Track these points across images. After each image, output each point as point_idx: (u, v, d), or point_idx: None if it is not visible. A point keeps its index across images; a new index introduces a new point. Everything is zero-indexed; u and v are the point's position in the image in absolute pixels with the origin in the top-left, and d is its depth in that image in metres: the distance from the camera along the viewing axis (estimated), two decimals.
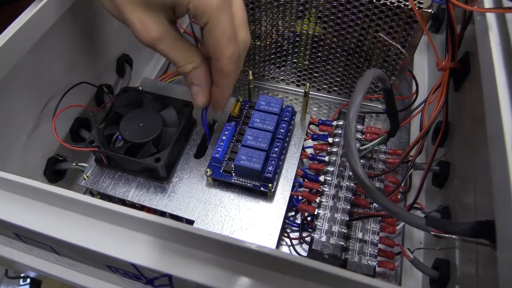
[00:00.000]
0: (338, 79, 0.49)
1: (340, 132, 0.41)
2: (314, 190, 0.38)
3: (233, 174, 0.37)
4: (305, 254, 0.39)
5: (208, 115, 0.38)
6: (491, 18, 0.31)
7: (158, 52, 0.33)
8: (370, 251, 0.35)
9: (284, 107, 0.41)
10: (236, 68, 0.33)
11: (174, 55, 0.33)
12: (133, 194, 0.37)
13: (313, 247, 0.34)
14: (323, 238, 0.35)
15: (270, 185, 0.36)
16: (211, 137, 0.41)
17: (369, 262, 0.34)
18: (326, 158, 0.40)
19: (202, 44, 0.35)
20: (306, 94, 0.40)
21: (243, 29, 0.33)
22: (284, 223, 0.37)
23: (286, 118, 0.40)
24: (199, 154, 0.40)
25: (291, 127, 0.41)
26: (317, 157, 0.40)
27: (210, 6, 0.29)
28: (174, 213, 0.36)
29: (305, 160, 0.43)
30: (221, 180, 0.37)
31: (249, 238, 0.35)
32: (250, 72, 0.41)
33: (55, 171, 0.44)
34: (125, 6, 0.31)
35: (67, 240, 0.25)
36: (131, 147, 0.37)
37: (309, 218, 0.39)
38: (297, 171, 0.39)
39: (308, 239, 0.37)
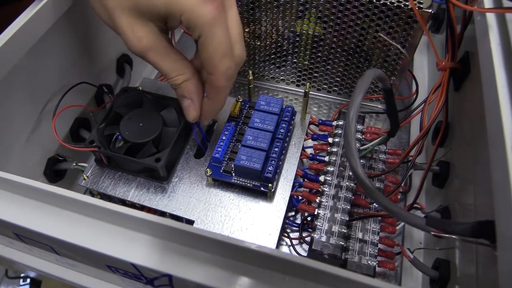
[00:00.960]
0: (338, 79, 0.49)
1: (340, 132, 0.41)
2: (314, 190, 0.38)
3: (233, 174, 0.37)
4: (305, 254, 0.39)
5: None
6: (491, 18, 0.31)
7: (149, 63, 0.32)
8: (370, 251, 0.35)
9: (284, 107, 0.41)
10: (230, 84, 0.32)
11: (164, 65, 0.32)
12: (133, 194, 0.37)
13: (313, 247, 0.34)
14: (323, 238, 0.35)
15: (270, 185, 0.36)
16: (211, 137, 0.41)
17: (369, 262, 0.34)
18: (326, 158, 0.40)
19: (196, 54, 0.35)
20: (306, 94, 0.40)
21: (239, 44, 0.32)
22: (284, 223, 0.37)
23: (286, 118, 0.40)
24: (199, 154, 0.40)
25: (291, 127, 0.41)
26: (317, 157, 0.40)
27: (203, 19, 0.28)
28: (174, 213, 0.36)
29: (305, 160, 0.43)
30: (221, 180, 0.37)
31: (249, 238, 0.35)
32: (250, 72, 0.41)
33: (55, 171, 0.44)
34: (117, 13, 0.30)
35: (67, 240, 0.25)
36: (131, 147, 0.37)
37: (309, 218, 0.39)
38: (297, 171, 0.39)
39: (308, 239, 0.37)
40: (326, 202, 0.37)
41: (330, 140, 0.41)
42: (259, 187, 0.36)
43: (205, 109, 0.34)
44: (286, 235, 0.41)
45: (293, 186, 0.38)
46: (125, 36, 0.31)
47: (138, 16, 0.30)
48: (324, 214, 0.36)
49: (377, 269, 0.35)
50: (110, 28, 0.32)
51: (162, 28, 0.32)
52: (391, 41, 0.42)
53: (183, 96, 0.33)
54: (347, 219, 0.36)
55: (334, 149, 0.40)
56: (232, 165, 0.37)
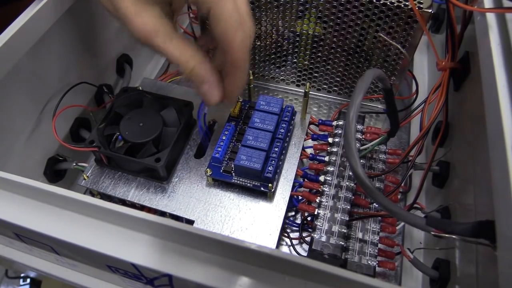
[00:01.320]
0: (338, 79, 0.49)
1: (340, 132, 0.41)
2: (314, 190, 0.38)
3: (233, 174, 0.37)
4: (305, 254, 0.39)
5: (208, 116, 0.38)
6: (491, 18, 0.31)
7: (155, 50, 0.31)
8: (370, 251, 0.35)
9: (284, 107, 0.41)
10: (247, 57, 0.31)
11: (172, 49, 0.30)
12: (133, 194, 0.37)
13: (313, 247, 0.34)
14: (323, 238, 0.35)
15: (270, 185, 0.36)
16: (211, 137, 0.41)
17: (369, 262, 0.34)
18: (326, 158, 0.40)
19: (203, 37, 0.33)
20: (306, 94, 0.40)
21: (247, 16, 0.31)
22: (284, 223, 0.37)
23: (286, 118, 0.40)
24: (199, 154, 0.40)
25: (291, 127, 0.41)
26: (317, 157, 0.40)
27: None
28: (174, 213, 0.36)
29: (305, 160, 0.43)
30: (221, 180, 0.37)
31: (249, 238, 0.35)
32: (250, 72, 0.41)
33: (55, 171, 0.44)
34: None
35: (67, 240, 0.25)
36: (131, 147, 0.37)
37: (309, 218, 0.39)
38: (297, 171, 0.39)
39: (308, 239, 0.37)
40: (326, 202, 0.37)
41: (330, 140, 0.41)
42: (259, 187, 0.36)
43: (228, 90, 0.33)
44: (286, 235, 0.41)
45: (293, 186, 0.38)
46: (130, 22, 0.30)
47: (143, 1, 0.29)
48: (324, 214, 0.36)
49: (377, 269, 0.35)
50: (114, 18, 0.31)
51: (167, 11, 0.31)
52: (391, 41, 0.42)
53: (199, 79, 0.32)
54: (347, 219, 0.36)
55: (334, 149, 0.40)
56: (232, 165, 0.37)
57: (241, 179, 0.37)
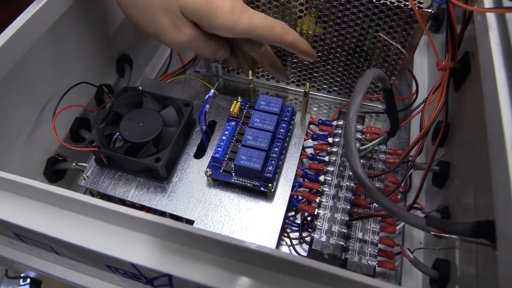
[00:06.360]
0: (338, 79, 0.49)
1: (340, 132, 0.41)
2: (314, 190, 0.38)
3: (233, 174, 0.37)
4: (305, 254, 0.39)
5: (208, 116, 0.38)
6: (491, 18, 0.31)
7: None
8: (370, 251, 0.34)
9: (284, 107, 0.41)
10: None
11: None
12: (133, 194, 0.37)
13: (313, 247, 0.34)
14: (323, 238, 0.35)
15: (270, 185, 0.36)
16: (211, 137, 0.41)
17: (369, 262, 0.34)
18: (326, 158, 0.40)
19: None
20: (306, 94, 0.40)
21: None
22: (284, 223, 0.37)
23: (286, 118, 0.40)
24: (199, 154, 0.40)
25: (291, 127, 0.41)
26: (317, 157, 0.40)
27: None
28: (174, 213, 0.36)
29: (305, 160, 0.43)
30: (221, 180, 0.37)
31: (249, 238, 0.35)
32: (250, 72, 0.41)
33: (55, 171, 0.44)
34: None
35: (67, 240, 0.25)
36: (131, 147, 0.37)
37: (309, 218, 0.39)
38: (297, 171, 0.39)
39: (308, 239, 0.37)
40: (326, 202, 0.37)
41: (330, 140, 0.41)
42: (259, 187, 0.36)
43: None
44: (286, 235, 0.41)
45: (293, 186, 0.38)
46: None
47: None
48: (324, 214, 0.36)
49: (377, 269, 0.35)
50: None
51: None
52: (391, 41, 0.42)
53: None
54: (347, 219, 0.36)
55: (334, 149, 0.40)
56: (232, 165, 0.37)
57: (241, 179, 0.37)
